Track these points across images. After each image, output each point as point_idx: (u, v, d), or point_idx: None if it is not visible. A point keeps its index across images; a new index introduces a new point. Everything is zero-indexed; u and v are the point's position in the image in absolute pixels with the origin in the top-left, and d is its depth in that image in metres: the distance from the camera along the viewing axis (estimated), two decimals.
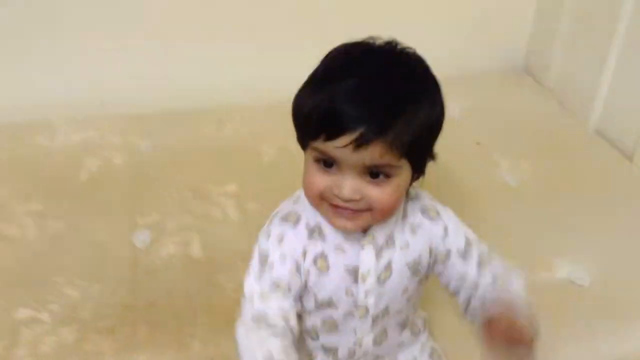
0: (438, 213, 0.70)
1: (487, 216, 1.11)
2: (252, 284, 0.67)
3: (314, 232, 0.67)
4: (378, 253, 0.68)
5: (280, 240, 0.67)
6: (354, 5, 1.47)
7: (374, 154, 0.57)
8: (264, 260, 0.67)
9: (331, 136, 0.58)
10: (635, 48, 1.30)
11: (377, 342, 0.74)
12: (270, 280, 0.66)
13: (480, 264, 0.71)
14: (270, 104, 1.42)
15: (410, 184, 0.66)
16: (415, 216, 0.70)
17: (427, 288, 0.78)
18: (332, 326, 0.72)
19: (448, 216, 0.71)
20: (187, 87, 1.43)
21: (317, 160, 0.61)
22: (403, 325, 0.76)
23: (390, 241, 0.68)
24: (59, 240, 1.08)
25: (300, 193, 0.68)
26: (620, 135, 1.33)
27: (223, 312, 0.91)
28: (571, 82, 1.50)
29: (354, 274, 0.68)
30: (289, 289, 0.66)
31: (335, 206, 0.62)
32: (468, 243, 0.71)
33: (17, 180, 1.22)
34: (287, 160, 1.26)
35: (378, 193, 0.61)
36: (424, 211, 0.70)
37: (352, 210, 0.62)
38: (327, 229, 0.67)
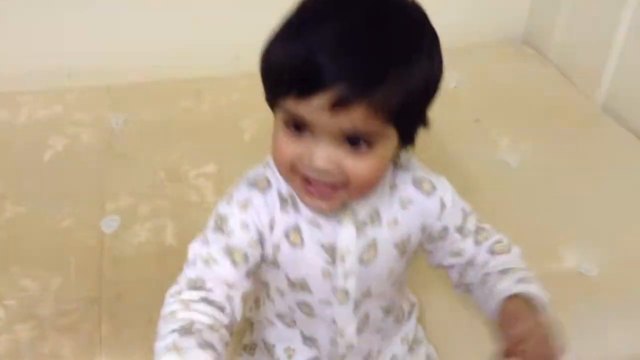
0: (434, 186, 0.62)
1: (485, 201, 1.01)
2: (198, 248, 0.59)
3: (287, 202, 0.59)
4: (360, 230, 0.59)
5: (245, 205, 0.58)
6: None
7: (354, 118, 0.48)
8: (219, 225, 0.58)
9: (303, 93, 0.48)
10: None
11: (358, 330, 0.66)
12: (224, 245, 0.57)
13: (477, 239, 0.65)
14: (252, 73, 1.33)
15: (397, 154, 0.57)
16: (406, 189, 0.61)
17: (420, 269, 0.70)
18: (309, 311, 0.64)
19: (444, 188, 0.63)
20: (162, 54, 1.32)
21: (287, 123, 0.52)
22: (387, 311, 0.68)
23: (375, 217, 0.60)
24: (18, 226, 0.99)
25: (270, 158, 0.59)
26: (630, 111, 1.25)
27: None
28: (576, 53, 1.40)
29: (331, 252, 0.59)
30: (244, 261, 0.57)
31: (308, 181, 0.53)
32: (464, 217, 0.64)
33: None
34: (270, 137, 1.17)
35: (357, 165, 0.51)
36: (417, 183, 0.62)
37: (325, 185, 0.53)
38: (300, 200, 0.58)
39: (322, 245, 0.59)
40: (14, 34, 1.30)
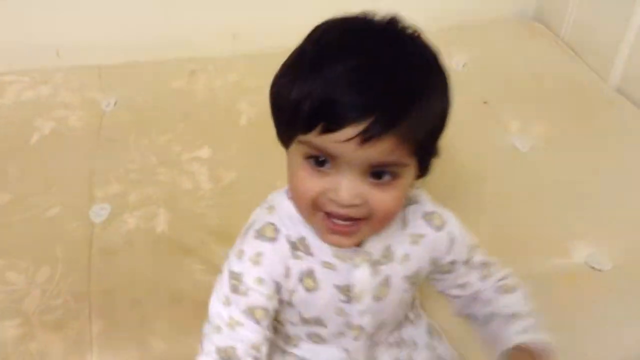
0: (444, 221, 0.62)
1: (493, 188, 1.01)
2: (219, 311, 0.58)
3: (297, 248, 0.58)
4: (373, 269, 0.59)
5: (257, 260, 0.57)
6: None
7: (383, 150, 0.48)
8: (235, 284, 0.57)
9: (331, 127, 0.48)
10: None
11: (370, 356, 0.66)
12: (244, 306, 0.57)
13: (483, 274, 0.65)
14: (250, 53, 1.28)
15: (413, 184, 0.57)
16: (417, 225, 0.61)
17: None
18: (320, 341, 0.64)
19: (453, 223, 0.63)
20: (156, 32, 1.27)
21: (308, 157, 0.51)
22: (395, 328, 0.69)
23: (388, 254, 0.60)
24: (2, 215, 0.94)
25: (274, 200, 0.60)
26: None
27: (190, 302, 0.80)
28: (590, 32, 1.34)
29: (345, 292, 0.59)
30: (265, 317, 0.58)
31: (330, 216, 0.52)
32: (471, 250, 0.65)
33: None
34: (268, 121, 1.11)
35: (381, 197, 0.51)
36: (428, 219, 0.62)
37: (349, 220, 0.52)
38: (313, 241, 0.58)
39: (337, 287, 0.59)
40: None
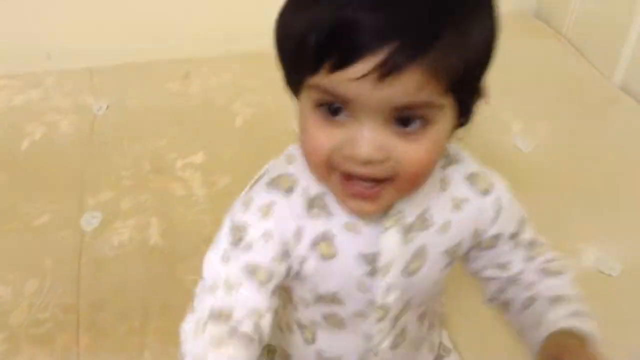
0: (491, 184, 0.53)
1: None
2: (216, 267, 0.49)
3: (315, 204, 0.49)
4: (406, 235, 0.50)
5: (266, 212, 0.48)
6: None
7: (408, 87, 0.39)
8: (238, 237, 0.49)
9: (342, 62, 0.38)
10: None
11: (394, 345, 0.57)
12: (245, 263, 0.48)
13: (530, 254, 0.55)
14: (245, 53, 1.26)
15: (451, 134, 0.46)
16: (460, 187, 0.52)
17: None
18: (338, 324, 0.55)
19: (502, 189, 0.54)
20: (148, 33, 1.24)
21: (319, 106, 0.42)
22: (422, 318, 0.59)
23: (424, 220, 0.50)
24: None
25: (295, 150, 0.51)
26: None
27: (180, 312, 0.75)
28: (592, 29, 1.31)
29: (370, 262, 0.50)
30: (269, 280, 0.48)
31: (349, 176, 0.43)
32: (521, 224, 0.55)
33: None
34: (265, 122, 1.10)
35: (410, 149, 0.42)
36: (473, 181, 0.52)
37: (372, 181, 0.43)
38: (334, 201, 0.49)
39: (360, 255, 0.50)
40: None
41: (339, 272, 0.50)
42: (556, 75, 1.24)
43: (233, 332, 0.46)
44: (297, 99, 0.45)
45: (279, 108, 1.08)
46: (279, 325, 0.61)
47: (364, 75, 0.38)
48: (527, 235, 0.55)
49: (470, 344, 0.73)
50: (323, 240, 0.49)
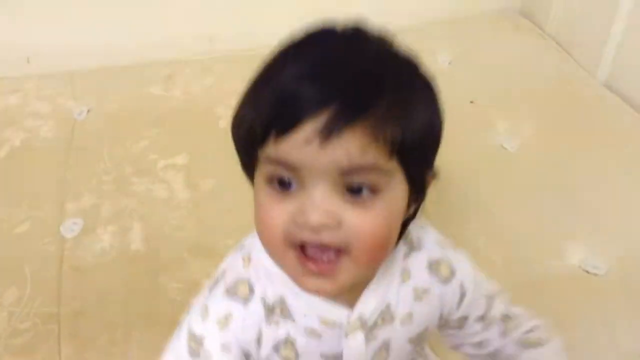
0: (453, 270, 0.52)
1: (482, 192, 0.97)
2: None
3: (275, 311, 0.48)
4: (369, 333, 0.49)
5: (224, 323, 0.48)
6: None
7: (350, 148, 0.39)
8: (195, 348, 0.48)
9: (285, 128, 0.39)
10: None
11: None
12: None
13: (505, 328, 0.55)
14: (227, 56, 1.24)
15: (408, 212, 0.46)
16: (421, 275, 0.51)
17: None
18: None
19: (465, 271, 0.52)
20: (129, 37, 1.23)
21: (270, 180, 0.42)
22: None
23: (386, 315, 0.50)
24: None
25: (250, 249, 0.50)
26: (635, 88, 1.16)
27: (164, 323, 0.73)
28: (576, 26, 1.31)
29: None
30: None
31: (304, 254, 0.43)
32: (488, 303, 0.54)
33: None
34: None
35: (360, 217, 0.41)
36: (434, 268, 0.51)
37: (325, 250, 0.42)
38: (295, 303, 0.48)
39: (324, 356, 0.50)
40: None
41: None
42: (541, 73, 1.24)
43: None
44: (254, 182, 0.45)
45: None
46: None
47: (308, 140, 0.39)
48: (498, 311, 0.54)
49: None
50: (284, 344, 0.49)
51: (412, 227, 0.49)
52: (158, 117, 1.12)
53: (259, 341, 0.48)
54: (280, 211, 0.42)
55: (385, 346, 0.50)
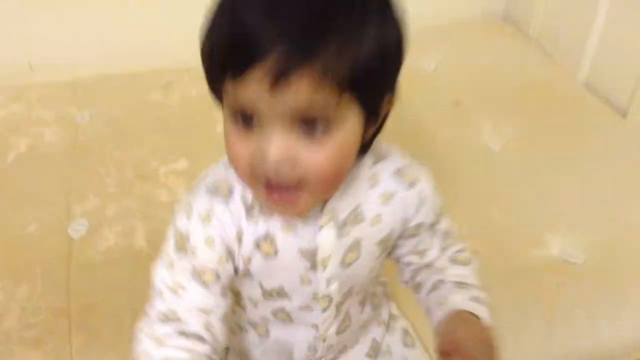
0: (416, 177, 0.57)
1: (467, 187, 1.02)
2: (163, 273, 0.53)
3: (253, 208, 0.52)
4: (341, 230, 0.54)
5: (206, 218, 0.51)
6: None
7: (300, 91, 0.41)
8: (182, 243, 0.52)
9: (238, 70, 0.42)
10: None
11: (340, 330, 0.62)
12: (190, 267, 0.52)
13: (444, 244, 0.61)
14: None
15: (364, 139, 0.49)
16: (388, 182, 0.56)
17: None
18: (286, 318, 0.60)
19: (427, 181, 0.58)
20: (129, 45, 1.27)
21: (234, 117, 0.45)
22: (363, 302, 0.65)
23: (357, 215, 0.54)
24: None
25: None
26: (613, 90, 1.22)
27: None
28: (557, 31, 1.37)
29: (310, 257, 0.54)
30: (216, 280, 0.52)
31: (269, 185, 0.46)
32: (438, 215, 0.60)
33: None
34: None
35: (313, 155, 0.44)
36: (399, 175, 0.56)
37: (285, 186, 0.46)
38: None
39: (300, 252, 0.54)
40: None
41: (283, 268, 0.54)
42: (524, 76, 1.29)
43: (179, 332, 0.51)
44: (221, 105, 0.48)
45: None
46: (231, 328, 0.64)
47: (258, 83, 0.41)
48: (443, 225, 0.60)
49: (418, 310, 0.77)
50: (264, 240, 0.53)
51: (379, 142, 0.53)
52: (157, 123, 1.16)
53: (239, 238, 0.52)
54: (245, 148, 0.45)
55: (357, 245, 0.55)
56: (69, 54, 1.26)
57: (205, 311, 0.52)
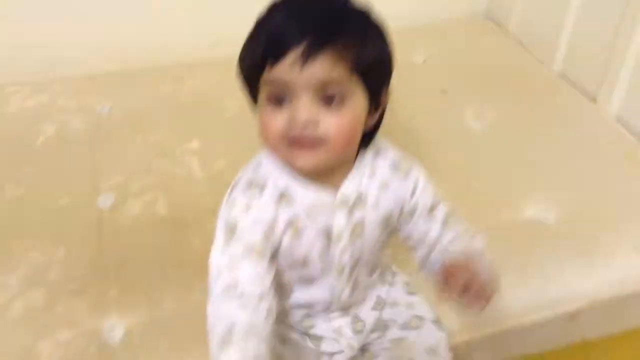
0: (410, 168, 0.70)
1: (452, 160, 1.12)
2: (218, 258, 0.64)
3: (283, 198, 0.65)
4: (350, 212, 0.67)
5: (247, 208, 0.64)
6: None
7: (323, 66, 0.56)
8: (231, 230, 0.64)
9: (277, 57, 0.57)
10: None
11: (351, 292, 0.74)
12: (242, 246, 0.63)
13: (445, 223, 0.72)
14: (231, 57, 1.38)
15: (367, 125, 0.64)
16: (385, 172, 0.69)
17: None
18: (309, 280, 0.71)
19: (418, 172, 0.71)
20: (144, 42, 1.38)
21: (269, 98, 0.60)
22: (373, 269, 0.77)
23: (360, 200, 0.67)
24: (19, 206, 1.04)
25: (261, 158, 0.67)
26: (584, 78, 1.33)
27: (192, 267, 0.89)
28: (534, 27, 1.49)
29: (327, 235, 0.67)
30: (263, 251, 0.64)
31: (294, 140, 0.59)
32: (435, 201, 0.72)
33: None
34: (251, 114, 1.23)
35: (332, 120, 0.59)
36: (395, 167, 0.69)
37: (310, 139, 0.59)
38: (297, 191, 0.65)
39: (319, 231, 0.66)
40: None
41: (306, 244, 0.67)
42: (504, 68, 1.41)
43: (242, 298, 0.61)
44: (256, 104, 0.62)
45: None
46: None
47: (293, 63, 0.56)
48: (440, 209, 0.72)
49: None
50: (292, 224, 0.65)
51: (378, 140, 0.68)
52: (172, 111, 1.26)
53: (274, 221, 0.64)
54: (278, 120, 0.59)
55: (361, 223, 0.68)
56: (88, 52, 1.36)
57: (258, 276, 0.63)
